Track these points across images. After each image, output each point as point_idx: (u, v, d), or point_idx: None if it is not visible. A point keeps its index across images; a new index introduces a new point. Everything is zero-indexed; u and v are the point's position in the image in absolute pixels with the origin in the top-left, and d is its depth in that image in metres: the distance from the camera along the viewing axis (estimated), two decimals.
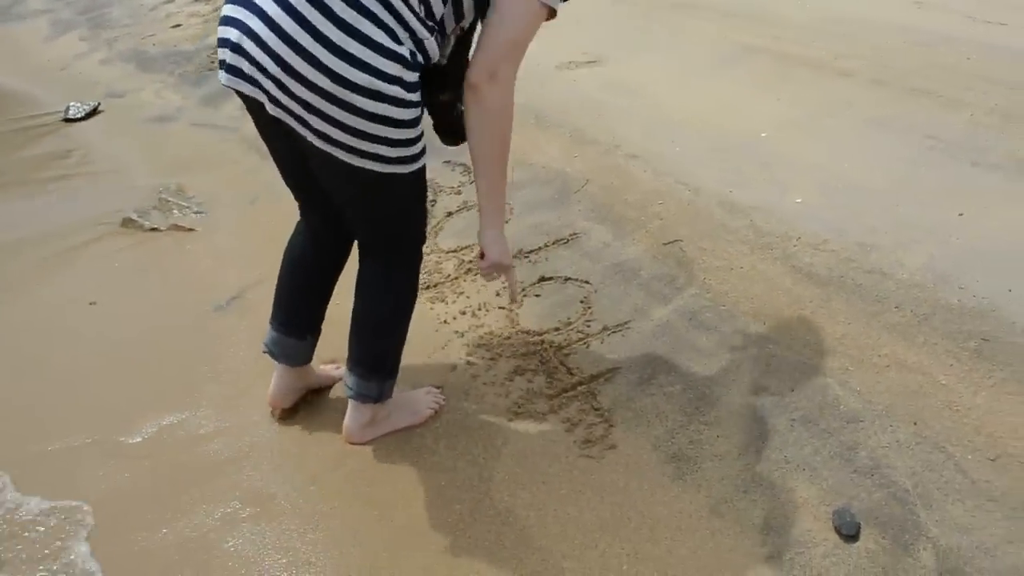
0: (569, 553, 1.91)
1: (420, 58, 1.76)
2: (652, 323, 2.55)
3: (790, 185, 3.11)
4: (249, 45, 1.72)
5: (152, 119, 5.02)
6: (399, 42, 1.70)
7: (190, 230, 3.67)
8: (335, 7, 1.65)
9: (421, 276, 2.39)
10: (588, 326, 2.61)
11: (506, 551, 1.94)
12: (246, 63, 1.74)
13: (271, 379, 2.41)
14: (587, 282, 2.78)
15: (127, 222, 3.76)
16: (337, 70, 1.66)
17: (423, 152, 1.89)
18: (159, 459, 2.33)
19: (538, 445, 2.20)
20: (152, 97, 5.36)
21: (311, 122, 1.74)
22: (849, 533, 1.86)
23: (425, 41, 1.76)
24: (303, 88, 1.69)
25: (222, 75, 1.82)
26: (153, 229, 3.70)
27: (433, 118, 2.06)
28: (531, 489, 2.07)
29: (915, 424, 2.08)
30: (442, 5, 1.77)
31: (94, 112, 5.25)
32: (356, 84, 1.68)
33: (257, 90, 1.77)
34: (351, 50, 1.66)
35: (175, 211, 3.84)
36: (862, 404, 2.15)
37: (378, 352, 2.18)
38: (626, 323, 2.59)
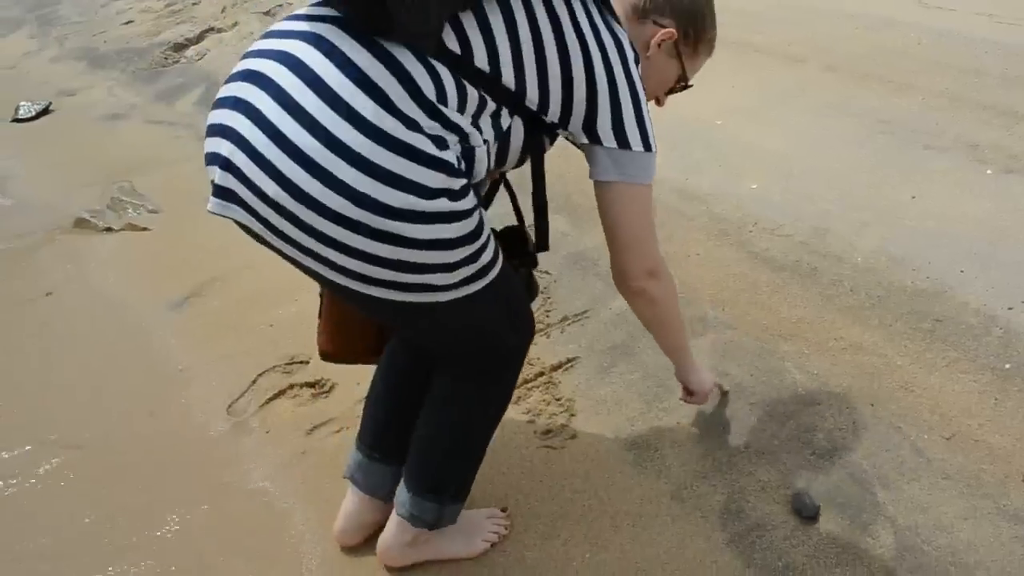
0: (531, 544, 1.90)
1: (464, 168, 1.40)
2: (611, 312, 2.54)
3: (745, 172, 3.12)
4: (242, 160, 1.33)
5: (104, 117, 4.94)
6: (444, 146, 1.35)
7: (144, 229, 3.61)
8: (356, 104, 1.29)
9: None
10: (547, 316, 2.60)
11: None
12: (240, 185, 1.34)
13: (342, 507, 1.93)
14: (547, 272, 2.77)
15: (80, 222, 3.69)
16: (362, 190, 1.29)
17: (496, 254, 1.52)
18: (114, 458, 2.28)
19: (498, 436, 2.16)
20: (104, 95, 5.28)
21: (331, 258, 1.36)
22: (809, 515, 1.86)
23: (477, 149, 1.42)
24: (317, 217, 1.31)
25: (211, 202, 1.40)
26: (107, 229, 3.63)
27: None
28: (493, 481, 2.06)
29: (872, 405, 2.09)
30: (489, 133, 1.46)
31: (45, 111, 5.16)
32: (389, 207, 1.30)
33: (256, 221, 1.37)
34: (379, 161, 1.29)
35: (129, 210, 3.78)
36: (819, 387, 2.16)
37: (447, 469, 1.75)
38: (585, 312, 2.58)
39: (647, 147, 1.55)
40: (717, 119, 3.52)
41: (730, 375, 2.24)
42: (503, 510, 1.95)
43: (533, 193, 1.62)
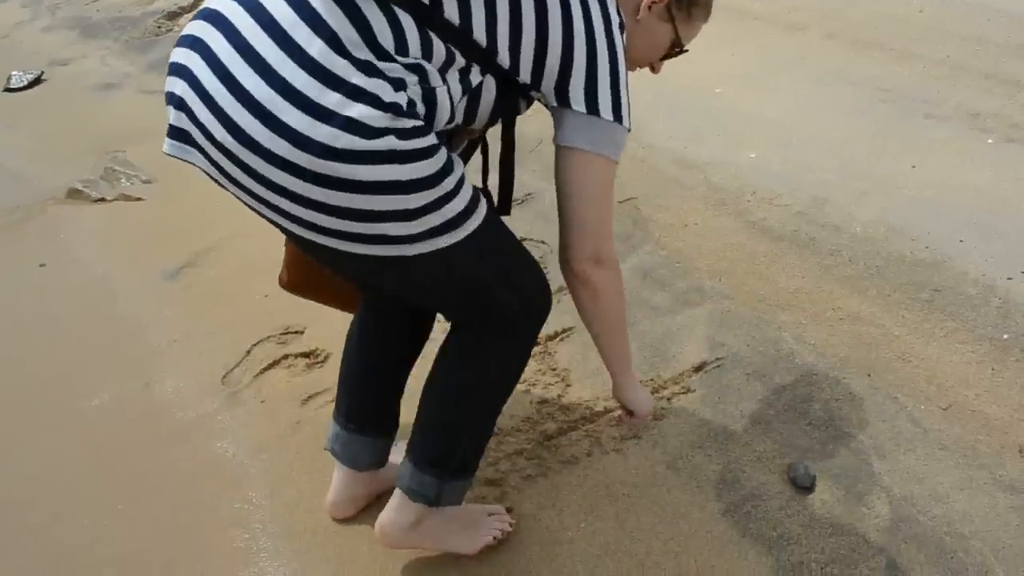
0: (527, 513, 1.89)
1: (422, 110, 1.30)
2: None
3: (744, 140, 3.09)
4: (193, 100, 1.28)
5: (97, 87, 4.89)
6: (400, 87, 1.26)
7: (138, 200, 3.58)
8: (306, 44, 1.23)
9: None
10: None
11: None
12: (192, 126, 1.30)
13: (332, 481, 1.92)
14: (543, 242, 2.75)
15: (73, 193, 3.67)
16: (304, 131, 1.21)
17: (473, 204, 1.40)
18: (110, 428, 2.28)
19: None
20: (97, 64, 5.22)
21: (283, 206, 1.29)
22: (804, 485, 1.86)
23: (437, 90, 1.33)
24: (263, 162, 1.25)
25: (167, 143, 1.36)
26: (100, 200, 3.61)
27: None
28: (487, 455, 2.05)
29: (868, 376, 2.08)
30: (456, 84, 1.37)
31: (37, 81, 5.11)
32: (330, 148, 1.21)
33: (210, 165, 1.33)
34: (323, 102, 1.22)
35: (122, 181, 3.75)
36: (816, 357, 2.15)
37: (449, 439, 1.65)
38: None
39: (618, 118, 1.43)
40: (716, 87, 3.48)
41: (727, 345, 2.23)
42: (508, 510, 1.87)
43: (500, 156, 1.54)
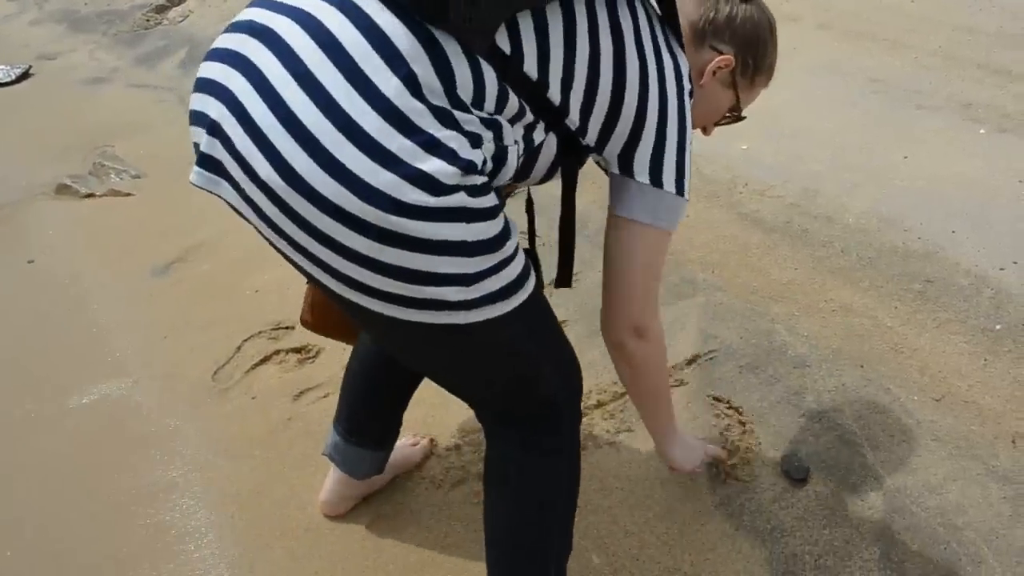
0: None
1: (489, 167, 1.17)
2: (600, 275, 2.52)
3: (735, 132, 3.06)
4: (233, 127, 1.11)
5: (86, 81, 4.87)
6: (478, 143, 1.13)
7: (127, 195, 3.57)
8: (379, 80, 1.07)
9: None
10: None
11: (454, 508, 1.92)
12: (228, 156, 1.13)
13: (325, 480, 1.92)
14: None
15: (62, 188, 3.65)
16: (369, 180, 1.06)
17: (527, 271, 1.26)
18: (99, 426, 2.27)
19: None
20: (85, 58, 5.20)
21: (329, 260, 1.14)
22: (798, 477, 1.86)
23: (509, 148, 1.20)
24: (312, 208, 1.09)
25: (195, 172, 1.19)
26: (89, 195, 3.59)
27: None
28: (479, 449, 2.05)
29: (861, 367, 2.08)
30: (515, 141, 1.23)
31: (25, 76, 5.09)
32: (397, 202, 1.07)
33: (244, 203, 1.16)
34: (393, 149, 1.06)
35: (112, 176, 3.73)
36: (809, 349, 2.15)
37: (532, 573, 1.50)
38: (574, 276, 2.56)
39: (680, 191, 1.34)
40: None
41: (719, 337, 2.23)
42: None
43: (561, 220, 1.42)
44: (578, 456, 1.52)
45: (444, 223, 1.09)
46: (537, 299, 1.32)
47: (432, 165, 1.07)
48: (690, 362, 2.18)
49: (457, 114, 1.10)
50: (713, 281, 2.42)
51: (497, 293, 1.19)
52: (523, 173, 1.34)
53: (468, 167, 1.10)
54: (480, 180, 1.13)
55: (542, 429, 1.44)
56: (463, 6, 1.06)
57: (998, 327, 2.11)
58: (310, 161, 1.06)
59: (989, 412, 1.94)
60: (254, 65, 1.11)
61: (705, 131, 1.62)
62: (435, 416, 2.10)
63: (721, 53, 1.43)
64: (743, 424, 2.00)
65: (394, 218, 1.07)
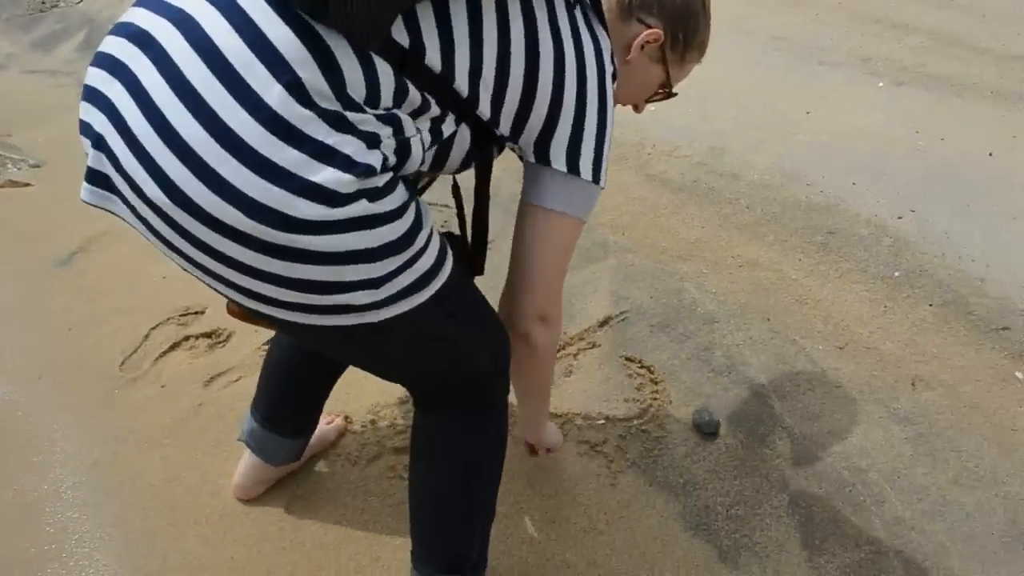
0: None
1: (393, 162, 1.10)
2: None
3: None
4: (117, 143, 1.04)
5: None
6: (375, 143, 1.06)
7: (26, 185, 3.44)
8: (260, 87, 1.00)
9: None
10: None
11: (371, 484, 1.91)
12: (115, 173, 1.06)
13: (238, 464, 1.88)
14: (446, 206, 2.72)
15: None
16: (258, 197, 1.00)
17: (441, 256, 1.21)
18: (3, 423, 2.20)
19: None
20: None
21: (230, 277, 1.09)
22: (709, 431, 1.90)
23: (412, 139, 1.12)
24: (202, 227, 1.03)
25: (84, 189, 1.13)
26: None
27: None
28: (394, 424, 2.04)
29: (768, 320, 2.12)
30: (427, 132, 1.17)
31: None
32: (290, 219, 1.01)
33: (138, 221, 1.10)
34: (281, 162, 1.00)
35: (8, 166, 3.59)
36: (717, 305, 2.18)
37: (462, 537, 1.50)
38: (488, 243, 2.55)
39: (596, 179, 1.28)
40: None
41: (630, 298, 2.25)
42: None
43: (474, 213, 1.36)
44: (507, 426, 1.50)
45: (347, 234, 1.04)
46: (456, 281, 1.25)
47: (326, 175, 1.00)
48: (602, 324, 2.20)
49: (350, 115, 1.02)
50: (623, 243, 2.43)
51: (409, 287, 1.15)
52: (437, 164, 1.28)
53: (366, 171, 1.03)
54: (383, 180, 1.07)
55: (472, 402, 1.41)
56: (343, 5, 0.97)
57: (896, 274, 2.17)
58: (194, 179, 1.00)
59: (890, 357, 1.99)
60: (132, 73, 1.03)
61: (636, 108, 1.54)
62: (350, 392, 2.07)
63: (649, 27, 1.36)
64: (655, 382, 2.03)
65: (291, 235, 1.01)
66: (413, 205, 1.13)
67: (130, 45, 1.05)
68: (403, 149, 1.10)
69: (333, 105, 1.01)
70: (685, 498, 1.77)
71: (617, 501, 1.78)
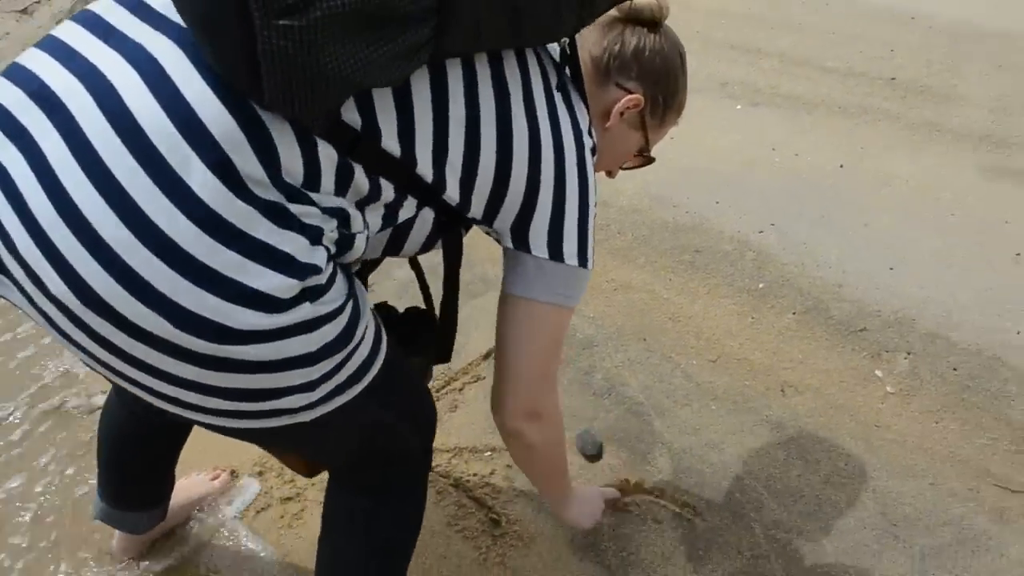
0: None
1: (333, 251, 0.99)
2: (395, 282, 2.51)
3: None
4: (12, 223, 0.87)
5: None
6: (318, 240, 0.94)
7: None
8: (186, 172, 0.85)
9: None
10: None
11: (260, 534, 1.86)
12: (9, 256, 0.89)
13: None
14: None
15: None
16: (187, 305, 0.87)
17: (376, 344, 1.11)
18: None
19: None
20: None
21: (149, 384, 0.96)
22: (592, 453, 1.91)
23: (357, 236, 1.02)
24: (118, 332, 0.89)
25: None
26: None
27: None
28: (283, 475, 1.99)
29: (644, 340, 2.16)
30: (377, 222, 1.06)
31: None
32: (226, 329, 0.89)
33: (36, 313, 0.93)
34: (214, 264, 0.87)
35: None
36: (595, 329, 2.21)
37: None
38: (370, 286, 2.53)
39: (583, 262, 1.16)
40: None
41: None
42: None
43: (442, 303, 1.26)
44: (424, 501, 1.42)
45: (287, 340, 0.93)
46: (389, 366, 1.14)
47: (267, 282, 0.89)
48: (486, 356, 2.20)
49: (292, 208, 0.90)
50: (500, 274, 2.44)
51: (345, 383, 1.05)
52: (392, 249, 1.16)
53: (312, 271, 0.92)
54: (325, 277, 0.96)
55: (394, 481, 1.33)
56: (283, 91, 0.82)
57: (761, 285, 2.24)
58: (112, 282, 0.85)
59: (759, 366, 2.05)
60: (33, 141, 0.85)
61: (610, 174, 1.44)
62: (237, 446, 2.01)
63: (628, 91, 1.23)
64: None
65: (227, 346, 0.90)
66: (352, 296, 1.03)
67: (31, 104, 0.86)
68: (345, 242, 1.00)
69: (270, 194, 0.88)
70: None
71: (505, 532, 1.77)
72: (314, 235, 0.92)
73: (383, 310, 1.36)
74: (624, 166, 1.41)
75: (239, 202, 0.86)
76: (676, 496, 1.79)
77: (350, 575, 1.38)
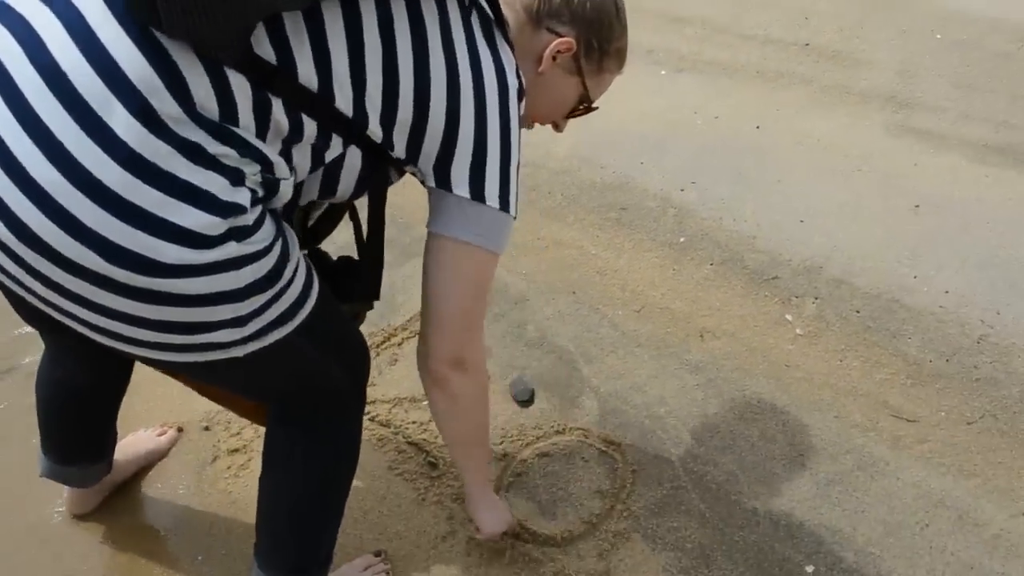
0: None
1: (260, 194, 1.00)
2: (335, 247, 2.54)
3: None
4: None
5: None
6: (239, 181, 0.95)
7: None
8: (108, 115, 0.88)
9: None
10: None
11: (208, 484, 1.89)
12: None
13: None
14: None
15: None
16: (117, 240, 0.90)
17: (308, 286, 1.13)
18: None
19: None
20: None
21: (85, 317, 0.99)
22: (524, 399, 1.97)
23: (282, 182, 1.02)
24: (53, 267, 0.92)
25: None
26: None
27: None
28: (230, 427, 2.02)
29: (573, 293, 2.23)
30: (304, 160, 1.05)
31: None
32: (156, 263, 0.92)
33: None
34: (140, 201, 0.90)
35: None
36: (527, 284, 2.27)
37: (309, 542, 1.44)
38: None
39: (505, 206, 1.14)
40: None
41: None
42: (376, 554, 1.68)
43: (368, 236, 1.24)
44: (360, 437, 1.43)
45: (214, 275, 0.95)
46: (321, 308, 1.16)
47: (191, 219, 0.91)
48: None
49: (211, 149, 0.92)
50: None
51: (275, 321, 1.07)
52: (326, 191, 1.15)
53: (234, 210, 0.94)
54: (251, 218, 0.97)
55: (328, 416, 1.34)
56: (179, 14, 0.84)
57: (682, 239, 2.32)
58: (48, 222, 0.89)
59: (680, 313, 2.13)
60: None
61: (556, 127, 1.41)
62: (184, 402, 2.04)
63: (560, 35, 1.21)
64: None
65: (156, 279, 0.93)
66: (281, 238, 1.05)
67: None
68: (271, 186, 1.01)
69: (190, 132, 0.90)
70: (505, 464, 1.84)
71: (443, 473, 1.82)
72: (235, 177, 0.95)
73: (316, 256, 1.39)
74: (568, 115, 1.37)
75: (159, 142, 0.89)
76: (602, 435, 1.86)
77: (289, 509, 1.41)
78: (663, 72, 3.16)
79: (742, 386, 1.96)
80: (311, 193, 1.14)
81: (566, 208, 2.50)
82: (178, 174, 0.90)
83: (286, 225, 1.11)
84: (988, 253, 2.23)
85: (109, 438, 1.68)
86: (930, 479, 1.74)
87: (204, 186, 0.92)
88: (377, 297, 1.31)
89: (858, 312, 2.09)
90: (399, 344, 2.16)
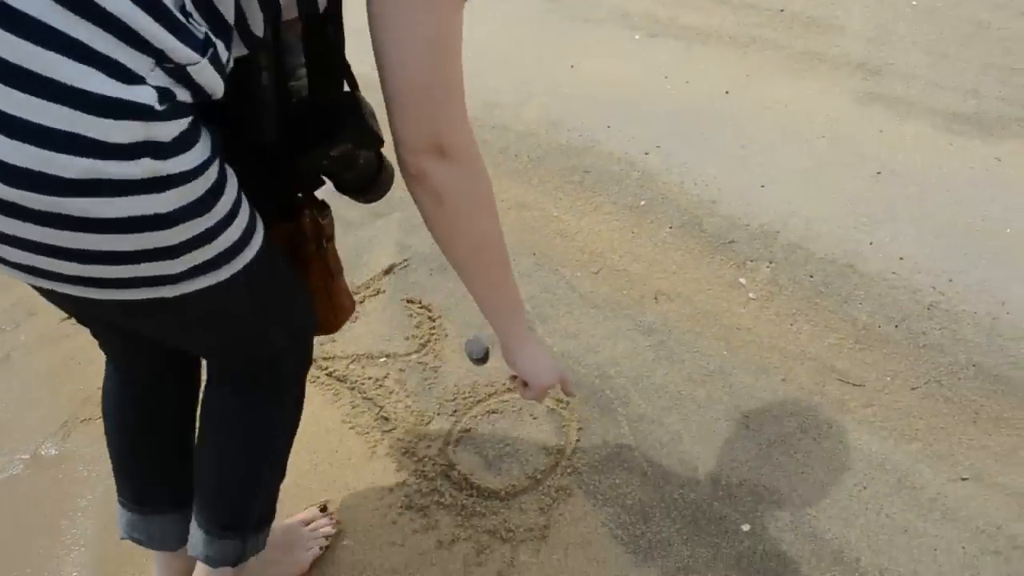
0: None
1: (184, 95, 0.84)
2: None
3: None
4: None
5: None
6: (133, 79, 0.79)
7: None
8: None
9: None
10: None
11: None
12: None
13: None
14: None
15: None
16: (12, 160, 0.77)
17: (248, 232, 1.01)
18: None
19: None
20: None
21: (7, 256, 0.88)
22: (479, 357, 1.94)
23: (191, 67, 0.82)
24: None
25: None
26: None
27: (331, 180, 1.22)
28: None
29: (534, 255, 2.21)
30: None
31: None
32: (59, 180, 0.78)
33: None
34: (28, 115, 0.75)
35: None
36: None
37: (244, 500, 1.36)
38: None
39: None
40: None
41: (412, 247, 2.29)
42: (323, 509, 1.65)
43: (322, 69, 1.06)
44: (300, 406, 1.36)
45: (134, 196, 0.83)
46: (261, 260, 1.04)
47: (90, 126, 0.77)
48: (387, 272, 2.24)
49: (82, 34, 0.76)
50: (407, 197, 2.44)
51: (209, 263, 0.95)
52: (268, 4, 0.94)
53: (139, 112, 0.79)
54: (169, 131, 0.83)
55: (266, 381, 1.26)
56: None
57: (643, 203, 2.30)
58: None
59: (636, 276, 2.12)
60: None
61: None
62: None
63: None
64: (432, 320, 2.09)
65: (63, 199, 0.80)
66: (215, 166, 0.91)
67: None
68: (182, 77, 0.83)
69: (59, 20, 0.75)
70: (455, 419, 1.84)
71: (395, 427, 1.83)
72: (124, 75, 0.79)
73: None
74: None
75: (24, 43, 0.75)
76: (552, 394, 1.86)
77: (220, 471, 1.33)
78: (637, 36, 3.12)
79: (692, 348, 1.95)
80: (256, 18, 0.94)
81: (531, 170, 2.47)
82: (47, 74, 0.76)
83: (225, 164, 0.96)
84: (945, 221, 2.21)
85: (187, 476, 1.40)
86: (872, 443, 1.74)
87: (81, 85, 0.77)
88: (382, 143, 1.13)
89: (811, 277, 2.08)
90: (360, 302, 2.15)
